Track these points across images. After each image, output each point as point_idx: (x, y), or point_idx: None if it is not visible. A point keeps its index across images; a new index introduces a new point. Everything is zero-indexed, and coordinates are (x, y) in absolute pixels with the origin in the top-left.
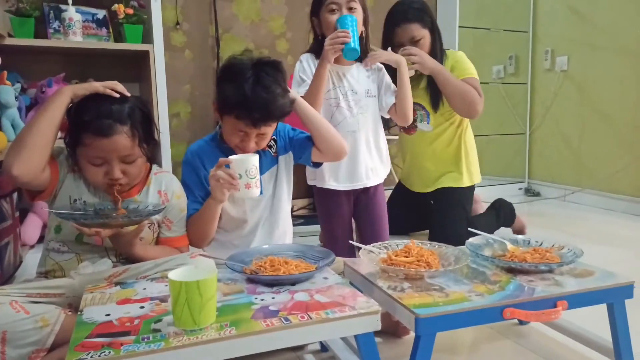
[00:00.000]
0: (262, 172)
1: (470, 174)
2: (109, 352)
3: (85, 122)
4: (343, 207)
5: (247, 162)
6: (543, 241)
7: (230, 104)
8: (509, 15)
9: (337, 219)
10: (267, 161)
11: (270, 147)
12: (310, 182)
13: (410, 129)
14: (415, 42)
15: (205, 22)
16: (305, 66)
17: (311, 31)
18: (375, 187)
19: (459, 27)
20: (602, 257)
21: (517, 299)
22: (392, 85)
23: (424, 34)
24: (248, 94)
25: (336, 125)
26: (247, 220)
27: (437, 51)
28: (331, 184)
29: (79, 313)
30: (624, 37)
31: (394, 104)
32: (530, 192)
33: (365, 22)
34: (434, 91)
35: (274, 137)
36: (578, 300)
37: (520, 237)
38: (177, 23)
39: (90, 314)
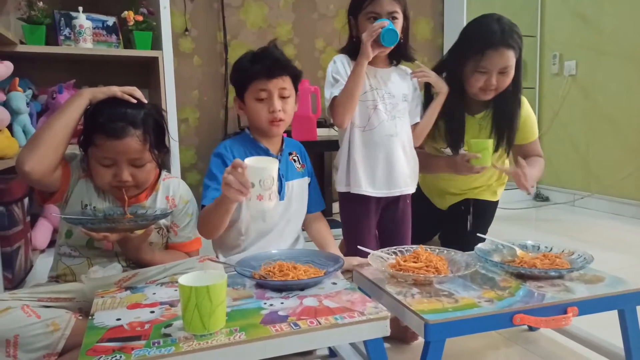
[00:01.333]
0: (290, 178)
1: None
2: (121, 357)
3: (99, 123)
4: (371, 215)
5: (262, 172)
6: (553, 247)
7: (244, 69)
8: (517, 20)
9: (364, 228)
10: (294, 172)
11: (295, 160)
12: (341, 189)
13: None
14: (503, 72)
15: (213, 28)
16: (339, 66)
17: (345, 27)
18: (406, 196)
19: None
20: (611, 262)
21: (527, 305)
22: (420, 105)
23: (513, 64)
24: (258, 52)
25: (372, 129)
26: (270, 230)
27: (519, 87)
28: (367, 190)
29: (90, 317)
30: (631, 42)
31: (415, 124)
32: (539, 197)
33: (406, 30)
34: (500, 130)
35: (297, 152)
36: (589, 306)
37: (529, 242)
38: (186, 29)
39: (101, 318)
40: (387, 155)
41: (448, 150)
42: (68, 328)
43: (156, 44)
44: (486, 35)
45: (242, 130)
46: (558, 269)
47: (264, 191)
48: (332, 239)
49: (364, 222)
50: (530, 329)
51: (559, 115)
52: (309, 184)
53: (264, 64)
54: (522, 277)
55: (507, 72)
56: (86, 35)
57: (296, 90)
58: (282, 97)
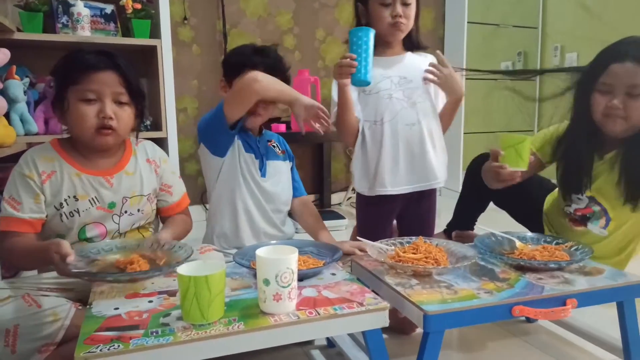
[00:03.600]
0: (271, 158)
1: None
2: (118, 346)
3: (79, 60)
4: (391, 216)
5: (278, 264)
6: (552, 239)
7: (244, 57)
8: (518, 11)
9: (379, 229)
10: (274, 154)
11: (274, 146)
12: (363, 191)
13: (576, 222)
14: (632, 94)
15: (212, 17)
16: (333, 84)
17: (354, 19)
18: (432, 190)
19: (468, 22)
20: None
21: (526, 297)
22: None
23: None
24: (260, 48)
25: (392, 119)
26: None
27: None
28: (390, 189)
29: (88, 307)
30: (632, 33)
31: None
32: None
33: (417, 18)
34: (632, 178)
35: (275, 140)
36: (588, 298)
37: (529, 234)
38: (185, 18)
39: (99, 307)
40: (408, 146)
41: (568, 198)
42: (68, 318)
43: (155, 33)
44: (615, 47)
45: None
46: (557, 260)
47: (281, 289)
48: (323, 225)
49: (381, 224)
50: (529, 320)
51: (559, 108)
52: (291, 169)
53: (265, 60)
54: (522, 268)
55: (637, 95)
56: (84, 23)
57: None
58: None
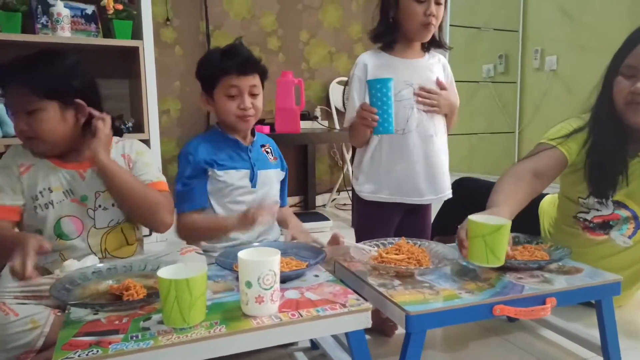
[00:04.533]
0: (262, 167)
1: None
2: (97, 351)
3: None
4: (393, 222)
5: (260, 266)
6: (532, 239)
7: (214, 66)
8: (500, 15)
9: (379, 235)
10: (266, 162)
11: (267, 152)
12: (364, 194)
13: (594, 230)
14: None
15: (195, 18)
16: (354, 84)
17: (377, 9)
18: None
19: (450, 25)
20: None
21: (506, 296)
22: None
23: None
24: (227, 49)
25: (410, 131)
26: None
27: None
28: (411, 198)
29: (66, 312)
30: (612, 37)
31: None
32: None
33: (444, 13)
34: None
35: (269, 145)
36: (567, 297)
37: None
38: (167, 19)
39: (78, 312)
40: (428, 158)
41: (589, 202)
42: (47, 325)
43: (137, 34)
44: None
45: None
46: (537, 260)
47: (264, 291)
48: (291, 213)
49: (382, 230)
50: (510, 319)
51: (540, 110)
52: (282, 180)
53: (235, 61)
54: (502, 268)
55: None
56: (64, 23)
57: (263, 87)
58: (252, 94)
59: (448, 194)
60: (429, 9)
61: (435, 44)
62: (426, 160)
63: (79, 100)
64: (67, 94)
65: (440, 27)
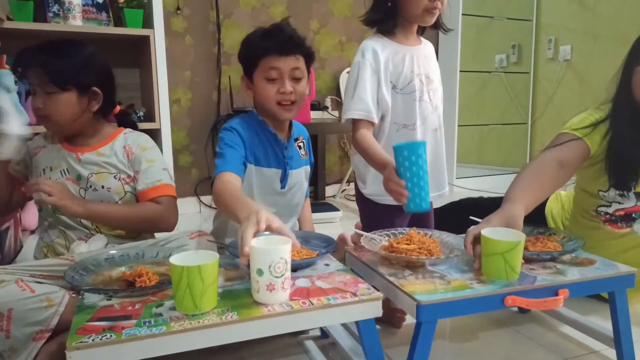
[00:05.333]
0: (294, 167)
1: None
2: (111, 336)
3: (20, 58)
4: (402, 221)
5: (272, 254)
6: (545, 230)
7: (253, 45)
8: (513, 4)
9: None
10: (298, 160)
11: (300, 147)
12: (375, 197)
13: (617, 223)
14: None
15: (206, 7)
16: (363, 74)
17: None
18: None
19: (463, 14)
20: None
21: (518, 287)
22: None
23: None
24: (269, 29)
25: (422, 123)
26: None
27: None
28: None
29: (80, 296)
30: (626, 26)
31: None
32: None
33: None
34: None
35: (303, 137)
36: (579, 288)
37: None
38: (178, 8)
39: (92, 297)
40: (434, 153)
41: (610, 194)
42: (62, 305)
43: (147, 23)
44: None
45: (245, 111)
46: (550, 251)
47: (275, 279)
48: (310, 220)
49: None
50: (521, 310)
51: (553, 100)
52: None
53: (275, 40)
54: None
55: None
56: (75, 12)
57: (309, 72)
58: (294, 78)
59: (447, 190)
60: None
61: (434, 25)
62: (432, 157)
63: (95, 89)
64: (85, 83)
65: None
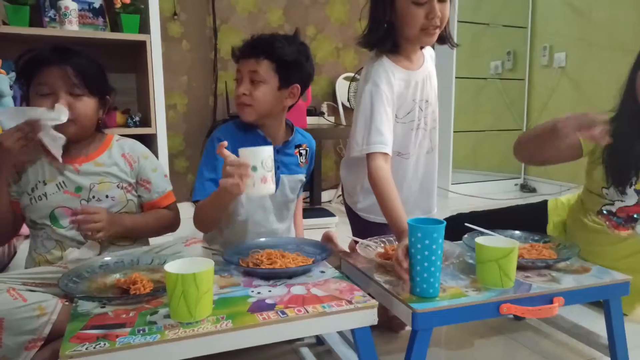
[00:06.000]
0: (286, 172)
1: None
2: (104, 344)
3: (32, 57)
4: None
5: (262, 152)
6: (540, 237)
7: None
8: (508, 11)
9: None
10: (295, 167)
11: (301, 154)
12: (370, 217)
13: (620, 225)
14: None
15: (202, 12)
16: (381, 98)
17: (368, 10)
18: None
19: (458, 21)
20: None
21: (513, 295)
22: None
23: None
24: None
25: (415, 151)
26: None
27: None
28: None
29: (74, 304)
30: (621, 34)
31: None
32: (525, 188)
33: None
34: None
35: (307, 146)
36: (574, 296)
37: (517, 232)
38: (175, 13)
39: (86, 305)
40: (424, 175)
41: (612, 191)
42: (55, 313)
43: (144, 28)
44: None
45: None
46: (545, 259)
47: (266, 172)
48: (300, 224)
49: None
50: (516, 318)
51: (547, 107)
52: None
53: (245, 45)
54: None
55: None
56: (72, 17)
57: (288, 79)
58: (252, 81)
59: (434, 213)
60: (432, 11)
61: (440, 40)
62: (422, 179)
63: (108, 97)
64: (104, 90)
65: (447, 25)
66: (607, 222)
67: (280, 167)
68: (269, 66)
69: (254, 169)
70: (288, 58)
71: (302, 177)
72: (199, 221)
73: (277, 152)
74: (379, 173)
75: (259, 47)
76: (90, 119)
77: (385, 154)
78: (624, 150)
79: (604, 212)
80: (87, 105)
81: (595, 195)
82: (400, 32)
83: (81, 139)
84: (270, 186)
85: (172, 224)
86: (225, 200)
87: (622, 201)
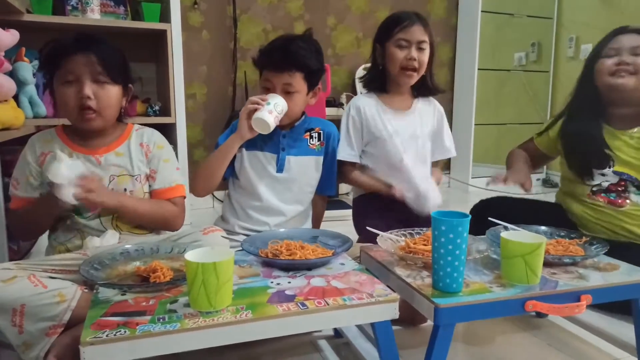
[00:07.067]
0: (294, 153)
1: None
2: (125, 332)
3: (56, 46)
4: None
5: (277, 97)
6: (566, 233)
7: (259, 57)
8: (533, 0)
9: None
10: (303, 148)
11: (312, 137)
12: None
13: (615, 198)
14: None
15: (223, 2)
16: (349, 125)
17: (370, 58)
18: None
19: (482, 11)
20: None
21: (539, 292)
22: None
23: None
24: (274, 43)
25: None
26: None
27: None
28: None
29: (94, 291)
30: None
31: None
32: (548, 183)
33: (431, 59)
34: None
35: (320, 129)
36: (602, 294)
37: (542, 228)
38: (195, 3)
39: (106, 293)
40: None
41: (595, 176)
42: (74, 300)
43: (165, 17)
44: (619, 28)
45: None
46: (572, 255)
47: (273, 109)
48: (318, 219)
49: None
50: (538, 315)
51: None
52: (324, 164)
53: (274, 57)
54: None
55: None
56: (94, 5)
57: (314, 83)
58: (287, 92)
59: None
60: (410, 53)
61: (425, 89)
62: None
63: (131, 86)
64: (127, 79)
65: (431, 74)
66: (603, 201)
67: (286, 148)
68: (300, 77)
69: (268, 104)
70: (315, 67)
71: (314, 158)
72: (197, 175)
73: (283, 136)
74: (354, 177)
75: (290, 61)
76: (114, 108)
77: (355, 163)
78: (581, 137)
79: (596, 191)
80: (111, 93)
81: (578, 183)
82: (388, 72)
83: (103, 130)
84: (270, 119)
85: (173, 220)
86: (230, 143)
87: (606, 181)
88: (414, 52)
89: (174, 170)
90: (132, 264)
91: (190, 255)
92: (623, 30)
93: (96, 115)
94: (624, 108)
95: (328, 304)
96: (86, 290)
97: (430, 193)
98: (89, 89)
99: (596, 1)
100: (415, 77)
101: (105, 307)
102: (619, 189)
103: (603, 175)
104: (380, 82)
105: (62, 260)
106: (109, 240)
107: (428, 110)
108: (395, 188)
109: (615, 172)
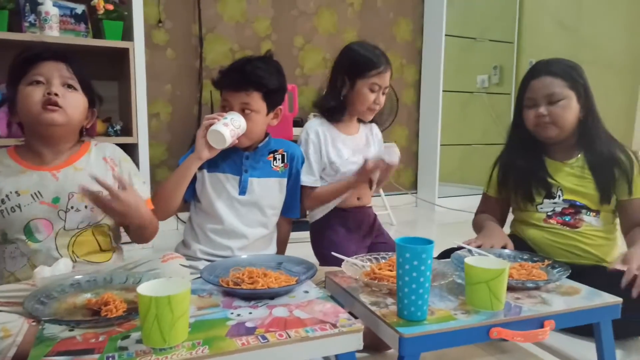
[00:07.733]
0: (256, 175)
1: None
2: None
3: (28, 54)
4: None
5: (234, 114)
6: (529, 256)
7: (218, 78)
8: (495, 25)
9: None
10: (266, 170)
11: (275, 159)
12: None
13: (570, 220)
14: (553, 102)
15: (188, 20)
16: (310, 147)
17: (327, 84)
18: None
19: (446, 35)
20: None
21: (504, 319)
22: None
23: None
24: (233, 64)
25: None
26: (246, 235)
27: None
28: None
29: (40, 327)
30: (608, 50)
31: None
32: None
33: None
34: (603, 184)
35: (284, 150)
36: (565, 319)
37: (506, 251)
38: (160, 21)
39: (53, 328)
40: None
41: (545, 203)
42: (20, 334)
43: (127, 35)
44: (531, 68)
45: None
46: (535, 280)
47: (229, 123)
48: (283, 243)
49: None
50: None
51: None
52: (287, 186)
53: (231, 77)
54: None
55: (556, 101)
56: (52, 22)
57: (274, 104)
58: (245, 112)
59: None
60: (378, 98)
61: (373, 120)
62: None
63: (95, 109)
64: (93, 96)
65: (382, 110)
66: (559, 223)
67: (249, 170)
68: (258, 97)
69: (225, 118)
70: (274, 87)
71: (277, 180)
72: (157, 195)
73: (246, 158)
74: (313, 194)
75: (247, 80)
76: (79, 114)
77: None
78: (526, 172)
79: (550, 215)
80: (79, 99)
81: (531, 213)
82: (350, 106)
83: (63, 139)
84: (225, 131)
85: (154, 228)
86: (188, 164)
87: (559, 207)
88: (381, 97)
89: (141, 183)
90: (82, 296)
91: (143, 288)
92: (535, 74)
93: (61, 110)
94: (558, 144)
95: (290, 337)
96: (34, 324)
97: (391, 148)
98: (57, 88)
99: (554, 26)
100: (374, 113)
101: (51, 344)
102: (572, 211)
103: (555, 203)
104: (342, 112)
105: (8, 292)
106: (62, 269)
107: (369, 134)
108: (366, 162)
109: (565, 201)
